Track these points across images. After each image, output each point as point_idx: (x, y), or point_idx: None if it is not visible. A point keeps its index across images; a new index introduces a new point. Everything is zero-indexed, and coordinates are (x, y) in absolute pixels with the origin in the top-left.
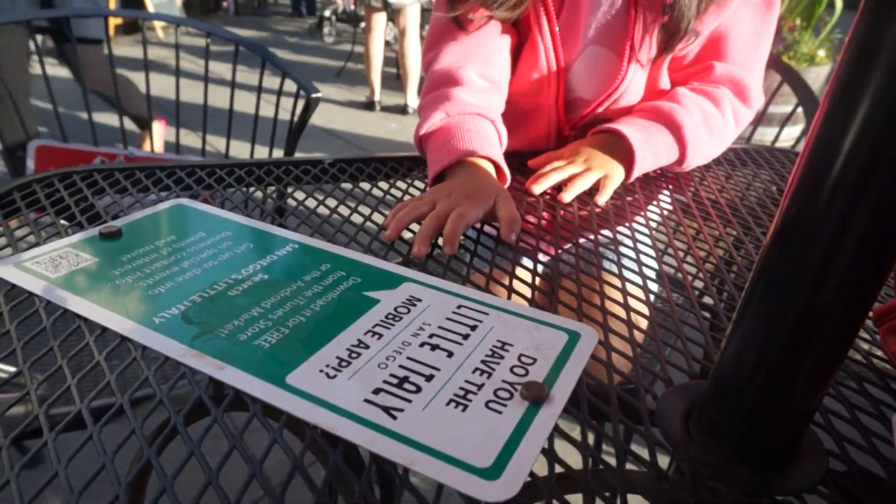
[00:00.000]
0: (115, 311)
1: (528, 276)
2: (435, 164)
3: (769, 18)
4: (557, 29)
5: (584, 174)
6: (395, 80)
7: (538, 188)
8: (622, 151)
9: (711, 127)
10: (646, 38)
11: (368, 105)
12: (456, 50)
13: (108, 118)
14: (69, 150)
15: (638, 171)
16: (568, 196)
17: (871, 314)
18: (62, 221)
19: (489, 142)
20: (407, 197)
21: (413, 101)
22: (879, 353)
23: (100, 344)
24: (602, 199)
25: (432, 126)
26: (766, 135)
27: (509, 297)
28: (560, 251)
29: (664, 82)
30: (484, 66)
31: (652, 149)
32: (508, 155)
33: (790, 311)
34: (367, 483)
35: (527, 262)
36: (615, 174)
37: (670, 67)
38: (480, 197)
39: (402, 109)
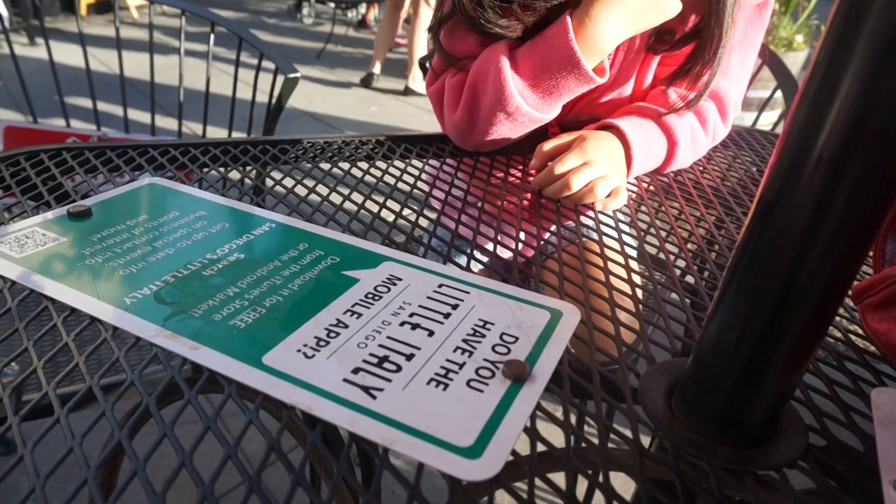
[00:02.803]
0: (85, 292)
1: (508, 256)
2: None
3: (760, 29)
4: None
5: (602, 180)
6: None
7: (555, 194)
8: (620, 152)
9: (696, 146)
10: (632, 42)
11: (366, 78)
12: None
13: (81, 100)
14: (40, 131)
15: (630, 177)
16: (592, 200)
17: (850, 292)
18: (28, 201)
19: None
20: (387, 178)
21: (412, 83)
22: (858, 329)
23: (68, 326)
24: (614, 206)
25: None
26: (745, 119)
27: (490, 275)
28: (544, 231)
29: (650, 81)
30: None
31: (646, 161)
32: (493, 153)
33: (771, 288)
34: (346, 463)
35: (509, 241)
36: (623, 180)
37: (661, 64)
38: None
39: (402, 91)
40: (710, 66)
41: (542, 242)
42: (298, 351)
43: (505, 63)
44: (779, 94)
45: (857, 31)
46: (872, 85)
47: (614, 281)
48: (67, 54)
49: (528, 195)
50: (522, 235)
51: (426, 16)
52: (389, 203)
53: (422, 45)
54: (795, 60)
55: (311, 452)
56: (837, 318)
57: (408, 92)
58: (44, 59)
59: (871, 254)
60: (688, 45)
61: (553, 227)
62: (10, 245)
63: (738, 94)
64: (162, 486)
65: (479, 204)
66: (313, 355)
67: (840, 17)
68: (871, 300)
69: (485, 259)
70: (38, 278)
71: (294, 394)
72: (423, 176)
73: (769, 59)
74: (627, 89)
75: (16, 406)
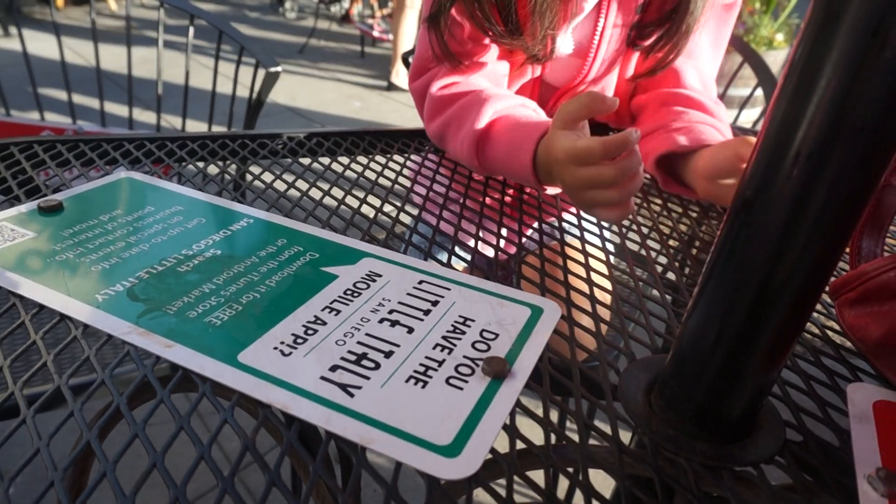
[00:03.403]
0: (55, 289)
1: (490, 252)
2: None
3: (731, 21)
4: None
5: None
6: (358, 57)
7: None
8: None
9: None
10: (612, 38)
11: (390, 86)
12: (449, 70)
13: (56, 92)
14: (13, 124)
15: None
16: None
17: (827, 288)
18: None
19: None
20: (368, 173)
21: (396, 78)
22: (835, 325)
23: (36, 323)
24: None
25: (488, 120)
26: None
27: (471, 272)
28: (525, 227)
29: (631, 72)
30: (483, 77)
31: None
32: None
33: (749, 284)
34: (323, 463)
35: (490, 237)
36: None
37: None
38: None
39: (385, 87)
40: (683, 40)
41: (524, 239)
42: (275, 349)
43: (474, 143)
44: (759, 91)
45: (834, 28)
46: (850, 81)
47: (595, 277)
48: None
49: (510, 191)
50: (504, 232)
51: (410, 11)
52: (370, 199)
53: (406, 40)
54: (776, 59)
55: (289, 452)
56: (815, 315)
57: (391, 87)
58: (18, 51)
59: (847, 250)
60: (662, 28)
61: (535, 224)
62: None
63: (714, 72)
64: (132, 487)
65: (461, 200)
66: (290, 353)
67: (817, 13)
68: (847, 296)
69: (466, 256)
70: (5, 274)
71: (271, 392)
72: (405, 171)
73: (750, 56)
74: (611, 82)
75: None
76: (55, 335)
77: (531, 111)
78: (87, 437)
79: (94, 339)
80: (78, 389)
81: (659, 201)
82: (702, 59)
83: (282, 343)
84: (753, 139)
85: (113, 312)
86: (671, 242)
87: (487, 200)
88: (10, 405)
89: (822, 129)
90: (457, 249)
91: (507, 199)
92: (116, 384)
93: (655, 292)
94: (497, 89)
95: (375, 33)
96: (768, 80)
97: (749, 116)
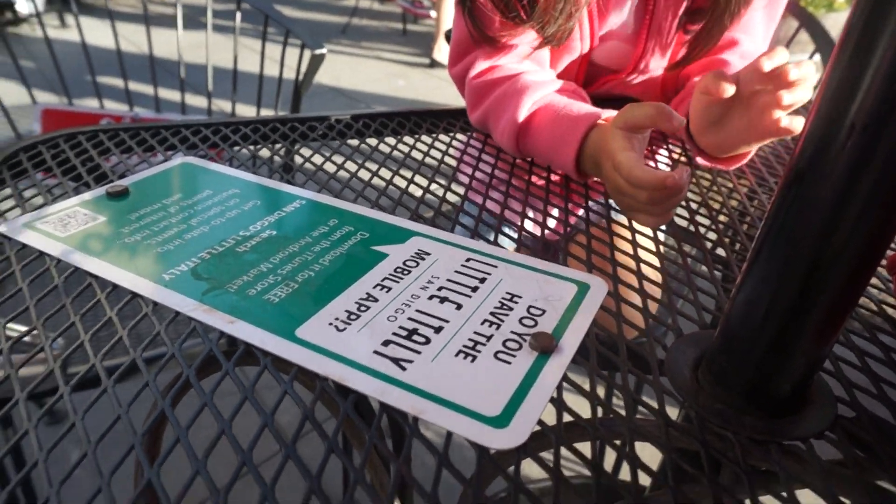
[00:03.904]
0: (126, 269)
1: (537, 232)
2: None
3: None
4: (599, 33)
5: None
6: (400, 35)
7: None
8: None
9: None
10: (663, 25)
11: (433, 63)
12: (487, 53)
13: (114, 80)
14: (75, 113)
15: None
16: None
17: (884, 262)
18: (69, 182)
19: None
20: (415, 153)
21: (438, 54)
22: (892, 300)
23: (111, 301)
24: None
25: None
26: None
27: (518, 251)
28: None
29: (678, 57)
30: (520, 59)
31: None
32: None
33: (801, 257)
34: (377, 433)
35: (537, 216)
36: None
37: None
38: None
39: (428, 64)
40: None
41: (572, 219)
42: (330, 324)
43: (514, 134)
44: (817, 58)
45: None
46: None
47: (642, 254)
48: (97, 35)
49: (559, 171)
50: (556, 212)
51: None
52: (417, 178)
53: (448, 16)
54: (836, 22)
55: (344, 422)
56: (871, 290)
57: (434, 64)
58: (74, 41)
59: None
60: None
61: (582, 203)
62: (54, 225)
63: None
64: (203, 452)
65: (508, 179)
66: (345, 328)
67: None
68: None
69: (513, 235)
70: (81, 256)
71: (327, 365)
72: (451, 150)
73: (807, 21)
74: (659, 69)
75: (65, 378)
76: (124, 311)
77: (571, 95)
78: (162, 405)
79: (162, 317)
80: (150, 362)
81: (709, 176)
82: (751, 34)
83: (336, 319)
84: (720, 73)
85: (179, 290)
86: (721, 218)
87: (534, 179)
88: (90, 377)
89: (878, 98)
90: (504, 228)
91: (555, 177)
92: (185, 357)
93: (704, 268)
94: (535, 74)
95: (417, 10)
96: (827, 45)
97: None
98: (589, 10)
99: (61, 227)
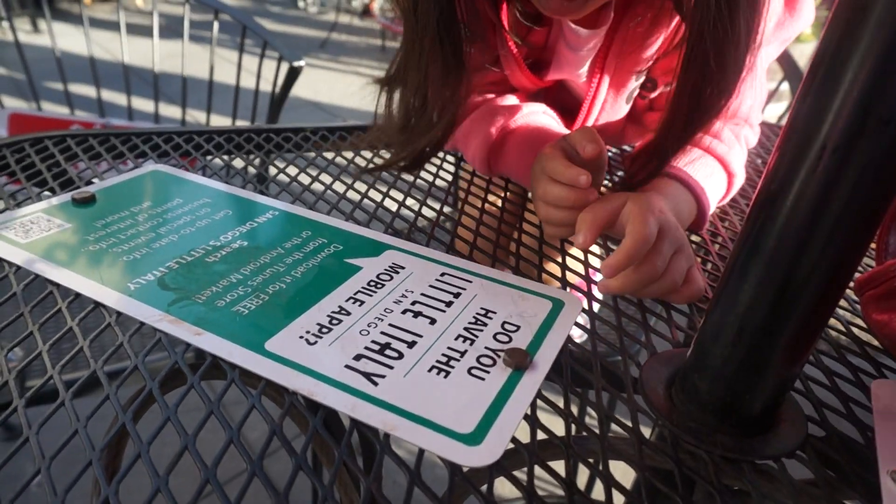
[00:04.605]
0: (89, 278)
1: (512, 246)
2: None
3: (787, 36)
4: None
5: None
6: (379, 51)
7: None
8: (689, 208)
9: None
10: (614, 95)
11: None
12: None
13: (86, 88)
14: (44, 119)
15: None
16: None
17: (852, 284)
18: (33, 188)
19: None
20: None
21: None
22: (860, 322)
23: (73, 311)
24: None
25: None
26: None
27: (493, 266)
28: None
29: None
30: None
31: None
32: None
33: (772, 278)
34: (348, 449)
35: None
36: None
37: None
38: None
39: None
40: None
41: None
42: (301, 337)
43: (486, 156)
44: (785, 85)
45: (861, 20)
46: (877, 74)
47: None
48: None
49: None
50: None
51: None
52: (392, 192)
53: None
54: (803, 52)
55: (313, 438)
56: (839, 311)
57: None
58: (47, 47)
59: (873, 246)
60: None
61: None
62: (15, 231)
63: (759, 105)
64: (165, 468)
65: (483, 196)
66: (316, 342)
67: (844, 5)
68: (873, 292)
69: (488, 250)
70: (42, 264)
71: (296, 380)
72: (427, 166)
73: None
74: (620, 113)
75: (20, 391)
76: (86, 323)
77: (542, 117)
78: (123, 419)
79: (126, 328)
80: (111, 375)
81: None
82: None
83: (307, 332)
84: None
85: (145, 301)
86: (693, 238)
87: (509, 196)
88: (48, 390)
89: (848, 122)
90: (477, 242)
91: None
92: (149, 370)
93: None
94: (505, 99)
95: (397, 27)
96: (794, 73)
97: (775, 111)
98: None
99: (23, 232)
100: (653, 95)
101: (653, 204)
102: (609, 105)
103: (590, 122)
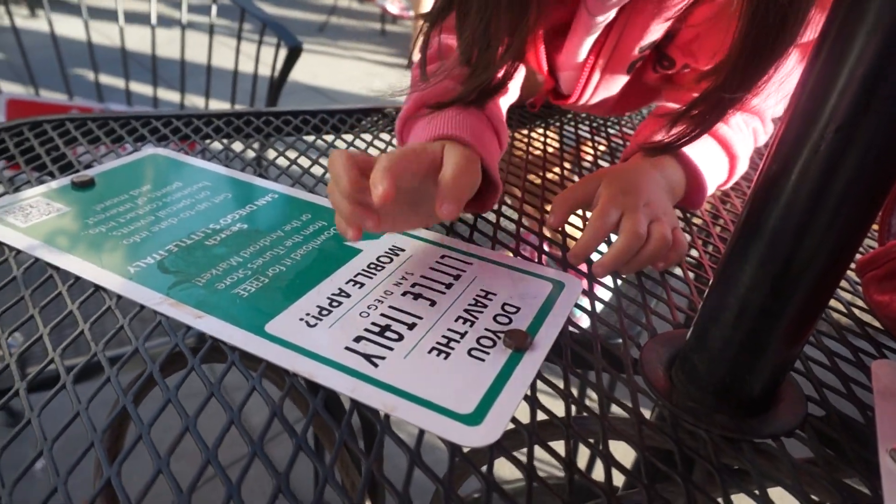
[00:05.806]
0: (89, 261)
1: (512, 227)
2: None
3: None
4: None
5: (655, 248)
6: (379, 35)
7: (602, 271)
8: (677, 182)
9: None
10: (617, 60)
11: (410, 64)
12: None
13: (84, 72)
14: (42, 104)
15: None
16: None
17: (853, 265)
18: (32, 172)
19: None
20: (390, 148)
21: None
22: (861, 303)
23: (73, 294)
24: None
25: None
26: None
27: (493, 248)
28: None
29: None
30: None
31: (713, 185)
32: None
33: (773, 259)
34: (348, 429)
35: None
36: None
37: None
38: None
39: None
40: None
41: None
42: (301, 320)
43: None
44: None
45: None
46: (883, 51)
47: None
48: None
49: (532, 177)
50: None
51: None
52: None
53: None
54: None
55: (314, 419)
56: (840, 292)
57: (412, 65)
58: (45, 32)
59: (875, 227)
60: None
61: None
62: (15, 215)
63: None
64: (166, 450)
65: None
66: (316, 324)
67: None
68: (874, 273)
69: (489, 232)
70: (42, 247)
71: (296, 361)
72: None
73: None
74: (610, 93)
75: (21, 375)
76: (86, 307)
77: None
78: (124, 402)
79: (126, 311)
80: (112, 359)
81: None
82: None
83: (307, 314)
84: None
85: (145, 284)
86: (695, 220)
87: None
88: (50, 374)
89: (852, 100)
90: (479, 225)
91: (528, 184)
92: (149, 353)
93: (678, 269)
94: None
95: (396, 10)
96: None
97: None
98: (537, 50)
99: (22, 216)
100: (671, 72)
101: (625, 187)
102: (608, 77)
103: (587, 94)
